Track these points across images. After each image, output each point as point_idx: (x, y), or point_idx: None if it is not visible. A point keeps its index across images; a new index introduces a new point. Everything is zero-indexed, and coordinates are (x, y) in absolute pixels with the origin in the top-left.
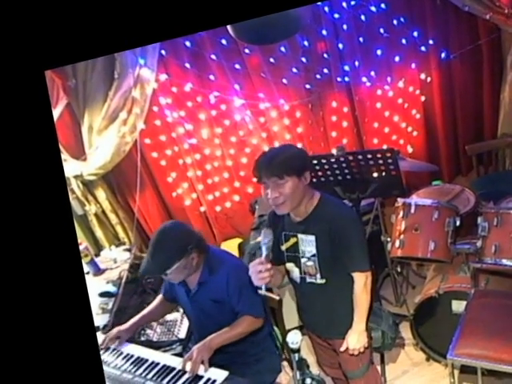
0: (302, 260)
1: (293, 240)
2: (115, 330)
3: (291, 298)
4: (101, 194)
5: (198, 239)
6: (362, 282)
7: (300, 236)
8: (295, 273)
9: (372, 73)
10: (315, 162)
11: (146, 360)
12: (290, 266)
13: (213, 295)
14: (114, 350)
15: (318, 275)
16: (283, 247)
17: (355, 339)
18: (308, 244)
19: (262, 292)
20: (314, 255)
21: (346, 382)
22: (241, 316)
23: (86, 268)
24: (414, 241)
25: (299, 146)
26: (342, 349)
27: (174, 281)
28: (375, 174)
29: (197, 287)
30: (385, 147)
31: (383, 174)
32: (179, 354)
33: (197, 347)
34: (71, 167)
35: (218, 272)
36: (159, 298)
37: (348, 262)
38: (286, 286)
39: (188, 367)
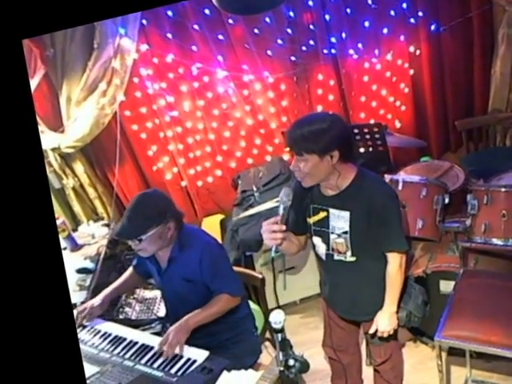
0: (332, 236)
1: (322, 214)
2: (88, 305)
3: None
4: (79, 167)
5: (177, 211)
6: (397, 262)
7: (331, 211)
8: (321, 248)
9: (359, 45)
10: None
11: (124, 339)
12: (316, 240)
13: (184, 273)
14: (91, 327)
15: (349, 253)
16: (310, 220)
17: (386, 321)
18: (340, 220)
19: (272, 254)
20: (345, 232)
21: (341, 364)
22: (216, 295)
23: (63, 243)
24: None
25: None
26: (371, 331)
27: (146, 253)
28: (362, 150)
29: (167, 264)
30: (372, 122)
31: (370, 149)
32: (158, 333)
33: (172, 329)
34: (49, 139)
35: (189, 249)
36: (129, 270)
37: (385, 240)
38: (268, 265)
39: (163, 350)
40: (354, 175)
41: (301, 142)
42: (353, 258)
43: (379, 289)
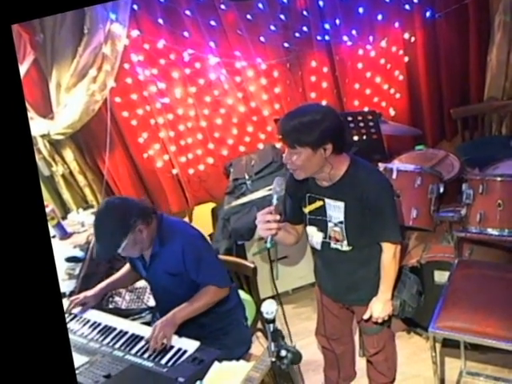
0: (329, 224)
1: (318, 203)
2: (81, 296)
3: (265, 267)
4: (68, 154)
5: (141, 209)
6: (391, 251)
7: (327, 201)
8: (316, 237)
9: (353, 31)
10: None
11: (114, 329)
12: (311, 229)
13: (167, 268)
14: (80, 317)
15: (345, 242)
16: (306, 209)
17: (380, 308)
18: (335, 210)
19: (268, 245)
20: (341, 222)
21: (334, 354)
22: (203, 287)
23: (52, 231)
24: None
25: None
26: (366, 317)
27: (132, 256)
28: (355, 138)
29: (150, 259)
30: (366, 109)
31: (364, 137)
32: (148, 323)
33: (159, 323)
34: (38, 126)
35: (170, 243)
36: (127, 266)
37: (379, 231)
38: (261, 253)
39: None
40: (347, 166)
41: (293, 134)
42: (348, 248)
43: (375, 276)
